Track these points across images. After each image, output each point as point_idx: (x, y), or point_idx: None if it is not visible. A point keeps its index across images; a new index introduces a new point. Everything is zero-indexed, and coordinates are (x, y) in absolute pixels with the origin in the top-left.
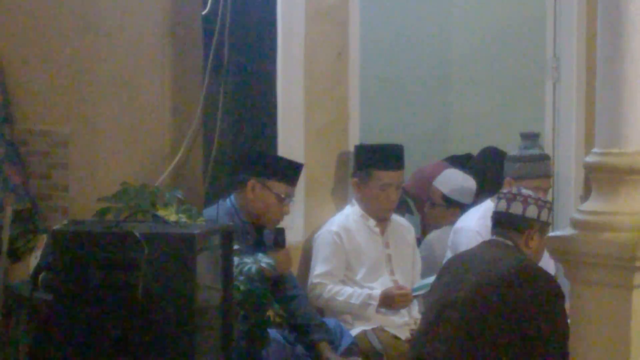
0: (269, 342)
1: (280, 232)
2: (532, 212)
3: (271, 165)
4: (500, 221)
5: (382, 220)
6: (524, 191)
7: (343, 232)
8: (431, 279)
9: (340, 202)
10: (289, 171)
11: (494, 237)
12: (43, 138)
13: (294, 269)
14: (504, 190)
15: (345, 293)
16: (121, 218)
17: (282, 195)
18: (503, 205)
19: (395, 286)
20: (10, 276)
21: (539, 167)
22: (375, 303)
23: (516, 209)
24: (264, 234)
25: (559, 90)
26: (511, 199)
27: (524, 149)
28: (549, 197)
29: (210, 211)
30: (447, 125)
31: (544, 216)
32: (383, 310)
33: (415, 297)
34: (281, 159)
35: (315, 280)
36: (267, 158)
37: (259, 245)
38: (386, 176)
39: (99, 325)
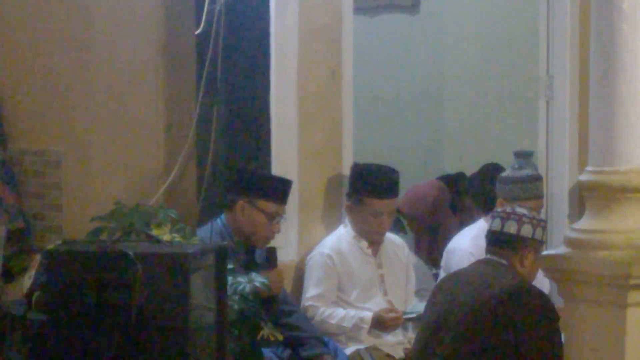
0: None
1: (272, 252)
2: (526, 231)
3: (259, 184)
4: (495, 240)
5: (375, 243)
6: (519, 210)
7: (335, 254)
8: (424, 304)
9: (334, 221)
10: (278, 189)
11: (488, 256)
12: (37, 158)
13: (288, 288)
14: (498, 209)
15: (337, 316)
16: (115, 238)
17: (272, 215)
18: (497, 224)
19: (385, 309)
20: (4, 296)
21: (531, 188)
22: (367, 326)
23: (511, 227)
24: (255, 254)
25: (553, 108)
26: (505, 217)
27: (516, 169)
28: (542, 216)
29: (203, 231)
30: (440, 143)
31: (538, 235)
32: (376, 331)
33: (407, 320)
34: (269, 177)
35: (308, 303)
36: (255, 177)
37: (250, 265)
38: (378, 204)
39: (93, 345)
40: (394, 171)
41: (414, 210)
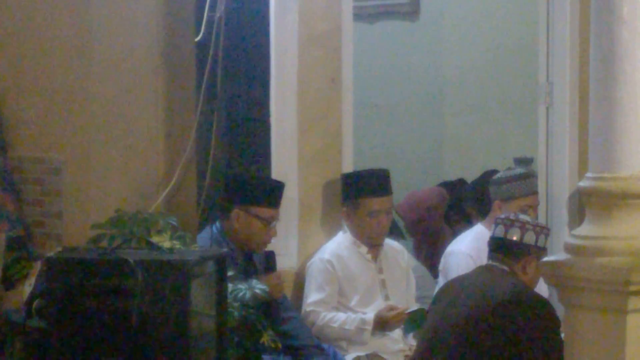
0: None
1: (270, 256)
2: (530, 238)
3: (252, 191)
4: (498, 247)
5: (375, 247)
6: (522, 217)
7: (335, 259)
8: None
9: (334, 228)
10: (271, 194)
11: (490, 263)
12: (37, 165)
13: (288, 295)
14: (501, 215)
15: (339, 319)
16: (115, 245)
17: (268, 220)
18: (500, 230)
19: (386, 307)
20: (4, 304)
21: (526, 184)
22: (369, 327)
23: (514, 234)
24: (254, 258)
25: (552, 114)
26: (509, 224)
27: (507, 170)
28: (539, 219)
29: (199, 238)
30: (440, 150)
31: (541, 242)
32: (379, 332)
33: (409, 314)
34: (261, 182)
35: (309, 309)
36: (247, 184)
37: (248, 271)
38: (375, 203)
39: (94, 352)
40: (384, 170)
41: (413, 215)
